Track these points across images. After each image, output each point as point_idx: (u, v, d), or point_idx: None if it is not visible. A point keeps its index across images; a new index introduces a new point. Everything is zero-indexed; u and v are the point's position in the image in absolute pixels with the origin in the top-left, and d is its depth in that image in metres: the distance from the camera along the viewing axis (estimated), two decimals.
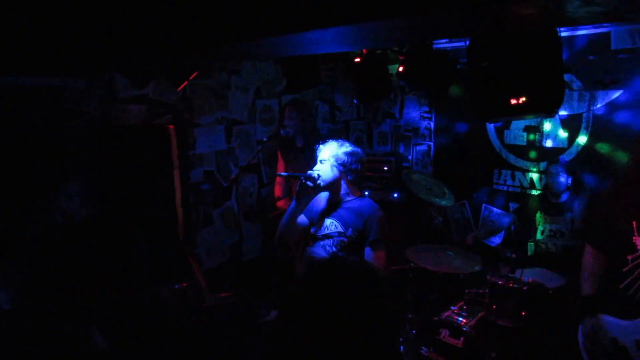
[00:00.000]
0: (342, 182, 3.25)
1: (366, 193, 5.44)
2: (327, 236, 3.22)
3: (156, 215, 4.33)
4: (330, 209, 3.30)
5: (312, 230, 3.32)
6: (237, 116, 5.42)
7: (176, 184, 4.42)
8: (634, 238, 2.65)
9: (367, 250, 3.13)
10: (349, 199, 3.28)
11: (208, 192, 5.21)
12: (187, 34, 2.48)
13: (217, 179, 5.28)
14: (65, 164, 4.10)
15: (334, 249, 3.19)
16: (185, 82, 4.32)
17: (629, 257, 2.66)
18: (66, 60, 3.35)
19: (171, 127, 4.34)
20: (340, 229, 3.20)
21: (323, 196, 3.38)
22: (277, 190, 5.05)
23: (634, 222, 2.66)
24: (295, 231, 3.30)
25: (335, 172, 3.21)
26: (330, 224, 3.24)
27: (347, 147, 3.23)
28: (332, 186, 3.24)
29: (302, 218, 3.35)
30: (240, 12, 2.14)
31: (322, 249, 3.23)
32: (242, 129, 5.47)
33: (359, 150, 3.28)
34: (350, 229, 3.17)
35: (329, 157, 3.20)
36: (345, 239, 3.17)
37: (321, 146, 3.28)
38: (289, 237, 3.30)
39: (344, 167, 3.21)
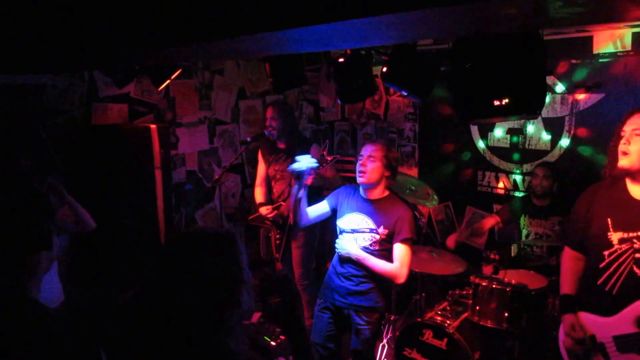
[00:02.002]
0: (381, 181, 3.39)
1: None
2: (358, 231, 3.38)
3: (137, 215, 4.28)
4: (362, 204, 3.44)
5: (338, 222, 3.49)
6: (220, 116, 5.39)
7: (158, 184, 4.37)
8: (609, 234, 2.69)
9: (398, 246, 3.30)
10: (381, 198, 3.43)
11: (190, 193, 5.17)
12: (169, 31, 2.46)
13: (199, 180, 5.25)
14: (45, 163, 4.04)
15: (365, 243, 3.35)
16: (168, 81, 4.28)
17: (605, 253, 2.69)
18: (47, 58, 3.31)
19: (153, 126, 4.29)
20: (371, 225, 3.35)
21: (353, 190, 3.54)
22: (257, 194, 4.97)
23: (608, 219, 2.71)
24: (307, 213, 3.50)
25: (382, 172, 3.36)
26: (362, 220, 3.38)
27: (395, 153, 3.44)
28: (373, 184, 3.38)
29: (324, 205, 3.57)
30: (222, 10, 2.13)
31: (353, 242, 3.38)
32: (226, 129, 5.44)
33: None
34: (381, 226, 3.33)
35: (381, 157, 3.33)
36: (377, 236, 3.33)
37: (370, 144, 3.43)
38: (299, 218, 3.48)
39: (390, 171, 3.37)
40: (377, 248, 3.33)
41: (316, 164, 3.38)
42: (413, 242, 3.37)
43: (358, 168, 3.36)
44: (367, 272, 3.35)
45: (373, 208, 3.39)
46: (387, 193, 3.45)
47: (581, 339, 2.76)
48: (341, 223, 3.47)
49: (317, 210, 3.57)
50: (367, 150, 3.38)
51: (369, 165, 3.33)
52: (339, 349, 3.60)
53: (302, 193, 3.38)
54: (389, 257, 3.33)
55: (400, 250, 3.29)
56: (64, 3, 2.59)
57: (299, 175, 3.33)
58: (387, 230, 3.31)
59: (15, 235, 1.93)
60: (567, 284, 2.94)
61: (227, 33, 2.13)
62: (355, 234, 3.38)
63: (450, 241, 4.54)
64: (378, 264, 3.30)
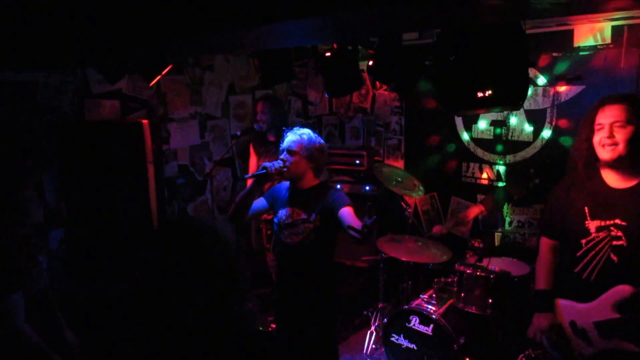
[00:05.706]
0: (306, 172, 3.35)
1: (338, 186, 5.53)
2: (293, 224, 3.33)
3: (130, 209, 4.33)
4: (293, 197, 3.40)
5: (276, 220, 3.42)
6: (211, 111, 5.45)
7: (150, 178, 4.42)
8: (586, 222, 2.73)
9: (343, 212, 3.19)
10: (310, 186, 3.38)
11: (183, 187, 5.24)
12: (160, 26, 2.50)
13: (191, 174, 5.31)
14: (39, 159, 4.08)
15: (300, 236, 3.31)
16: (158, 77, 4.32)
17: (583, 241, 2.74)
18: (39, 55, 3.34)
19: (145, 122, 4.34)
20: (303, 216, 3.31)
21: (286, 185, 3.49)
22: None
23: (585, 208, 2.75)
24: (249, 210, 3.40)
25: (303, 163, 3.30)
26: (293, 212, 3.35)
27: (314, 140, 3.34)
28: (297, 176, 3.34)
29: (262, 202, 3.49)
30: (212, 4, 2.18)
31: (292, 238, 3.35)
32: (216, 123, 5.51)
33: (322, 141, 3.40)
34: (313, 214, 3.28)
35: (299, 149, 3.28)
36: (310, 225, 3.29)
37: (289, 134, 3.36)
38: (243, 214, 3.39)
39: (312, 159, 3.32)
40: (313, 238, 3.30)
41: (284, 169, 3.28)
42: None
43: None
44: None
45: (303, 198, 3.36)
46: (316, 182, 3.41)
47: (556, 342, 2.82)
48: (277, 219, 3.43)
49: (256, 206, 3.48)
50: (286, 145, 3.33)
51: (288, 158, 3.28)
52: None
53: (256, 190, 3.33)
54: (326, 247, 3.36)
55: (347, 212, 3.19)
56: (57, 0, 2.63)
57: (266, 175, 3.23)
58: (319, 215, 3.27)
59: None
60: (544, 279, 2.97)
61: (219, 27, 2.18)
62: (292, 229, 3.34)
63: (436, 230, 4.66)
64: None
